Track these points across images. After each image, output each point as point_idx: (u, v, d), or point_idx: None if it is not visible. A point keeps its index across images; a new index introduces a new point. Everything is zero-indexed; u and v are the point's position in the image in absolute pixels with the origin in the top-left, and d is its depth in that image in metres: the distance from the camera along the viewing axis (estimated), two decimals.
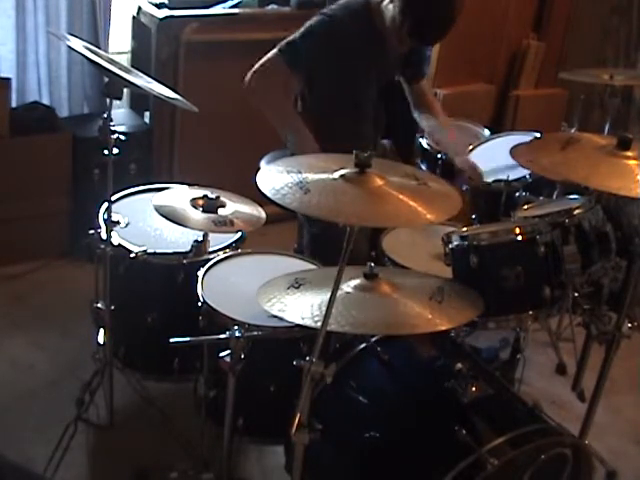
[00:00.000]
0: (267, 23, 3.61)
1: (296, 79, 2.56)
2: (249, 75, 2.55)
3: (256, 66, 2.55)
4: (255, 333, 1.99)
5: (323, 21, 2.53)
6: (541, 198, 2.48)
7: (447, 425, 1.81)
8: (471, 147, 2.83)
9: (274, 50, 2.54)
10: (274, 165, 1.74)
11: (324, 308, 1.59)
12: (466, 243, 1.96)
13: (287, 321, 1.76)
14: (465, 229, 2.04)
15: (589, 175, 1.90)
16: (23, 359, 2.83)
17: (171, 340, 2.02)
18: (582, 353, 2.38)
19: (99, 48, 2.83)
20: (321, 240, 2.60)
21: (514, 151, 2.11)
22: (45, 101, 3.42)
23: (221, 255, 2.33)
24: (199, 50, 3.45)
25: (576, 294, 2.02)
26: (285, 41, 2.54)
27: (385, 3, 2.50)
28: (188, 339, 2.03)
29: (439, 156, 2.90)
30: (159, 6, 3.43)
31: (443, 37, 2.48)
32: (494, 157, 2.73)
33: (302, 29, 2.53)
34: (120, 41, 3.66)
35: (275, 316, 1.77)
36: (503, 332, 2.82)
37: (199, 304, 2.15)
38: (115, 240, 2.35)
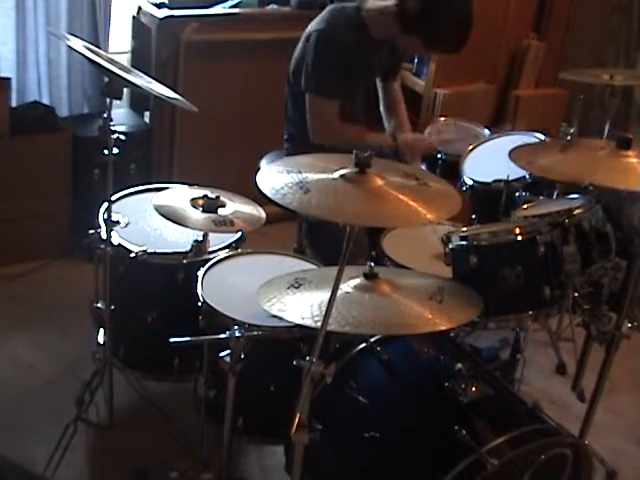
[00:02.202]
0: (267, 23, 3.61)
1: (339, 103, 2.64)
2: (314, 136, 2.66)
3: (311, 123, 2.66)
4: (255, 333, 1.99)
5: (320, 38, 2.60)
6: (541, 198, 2.47)
7: (447, 425, 1.81)
8: (471, 147, 2.83)
9: (307, 97, 2.64)
10: (274, 165, 1.74)
11: (324, 308, 1.59)
12: (466, 243, 1.96)
13: (287, 321, 1.76)
14: (465, 229, 2.04)
15: (588, 172, 1.90)
16: (23, 359, 2.83)
17: (171, 340, 2.02)
18: (582, 353, 2.37)
19: (99, 48, 2.83)
20: (319, 231, 2.62)
21: (513, 153, 2.12)
22: (45, 101, 3.42)
23: (221, 255, 2.33)
24: (199, 50, 3.45)
25: (576, 294, 2.02)
26: (307, 79, 2.63)
27: (387, 13, 2.53)
28: (188, 339, 2.03)
29: (439, 156, 2.90)
30: (159, 6, 3.43)
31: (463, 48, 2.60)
32: (494, 157, 2.73)
33: (310, 57, 2.61)
34: (120, 41, 3.66)
35: (275, 316, 1.77)
36: (503, 332, 2.82)
37: (199, 304, 2.15)
38: (115, 240, 2.35)
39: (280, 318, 1.76)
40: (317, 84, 2.62)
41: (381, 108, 2.98)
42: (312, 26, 2.66)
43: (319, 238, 2.67)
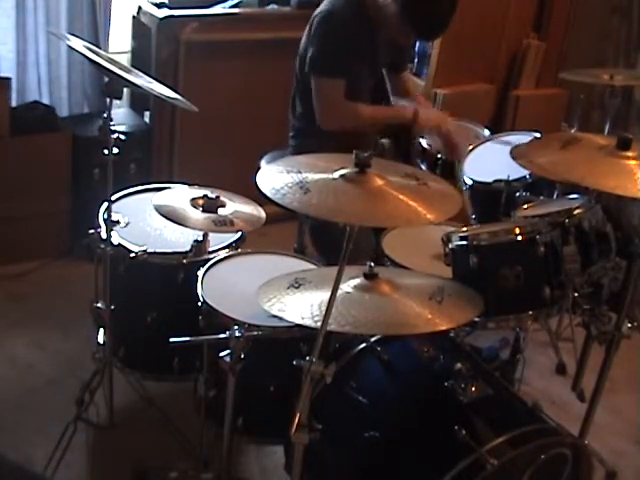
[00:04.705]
0: (267, 23, 3.61)
1: (344, 81, 2.62)
2: (322, 120, 2.63)
3: (318, 106, 2.63)
4: (255, 333, 1.99)
5: (322, 20, 2.61)
6: (541, 198, 2.47)
7: (447, 425, 1.81)
8: (471, 147, 2.83)
9: (313, 80, 2.62)
10: (274, 165, 1.74)
11: (324, 308, 1.59)
12: (466, 243, 1.96)
13: (287, 321, 1.76)
14: (465, 229, 2.04)
15: (586, 174, 1.90)
16: (23, 359, 2.83)
17: (171, 340, 2.02)
18: (582, 353, 2.37)
19: (99, 48, 2.84)
20: (322, 231, 2.62)
21: (514, 151, 2.11)
22: (45, 101, 3.42)
23: (221, 255, 2.33)
24: (199, 50, 3.45)
25: (576, 294, 2.02)
26: (311, 61, 2.61)
27: None
28: (188, 339, 2.03)
29: (439, 156, 2.90)
30: (159, 6, 3.43)
31: (444, 32, 2.56)
32: (494, 157, 2.72)
33: (313, 38, 2.60)
34: (120, 41, 3.66)
35: (275, 316, 1.77)
36: (503, 332, 2.82)
37: (199, 304, 2.15)
38: (115, 240, 2.35)
39: (280, 318, 1.76)
40: (322, 64, 2.61)
41: (391, 98, 2.97)
42: (316, 12, 2.68)
43: (323, 238, 2.67)
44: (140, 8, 3.55)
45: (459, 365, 1.92)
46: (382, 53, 2.80)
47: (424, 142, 2.96)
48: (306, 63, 2.65)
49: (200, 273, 2.23)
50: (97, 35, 3.40)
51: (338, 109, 2.64)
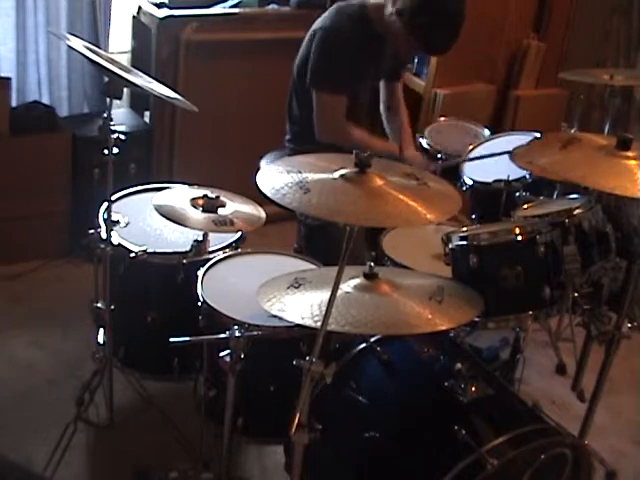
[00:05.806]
0: (267, 23, 3.61)
1: (346, 98, 2.63)
2: (320, 134, 2.64)
3: (317, 121, 2.64)
4: (255, 333, 1.99)
5: (325, 35, 2.61)
6: (541, 198, 2.48)
7: (447, 425, 1.81)
8: (471, 147, 2.83)
9: (314, 94, 2.62)
10: (274, 165, 1.74)
11: (324, 308, 1.59)
12: (466, 243, 1.96)
13: (287, 321, 1.76)
14: (465, 229, 2.04)
15: (586, 174, 1.90)
16: (23, 359, 2.83)
17: (171, 340, 2.02)
18: (582, 353, 2.38)
19: (99, 48, 2.84)
20: (316, 234, 2.62)
21: (514, 152, 2.11)
22: (45, 101, 3.42)
23: (221, 255, 2.33)
24: (199, 50, 3.45)
25: (576, 294, 2.02)
26: (313, 77, 2.61)
27: (388, 13, 2.53)
28: (188, 339, 2.03)
29: (439, 156, 2.90)
30: (159, 6, 3.43)
31: (451, 48, 2.55)
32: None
33: (315, 54, 2.60)
34: (120, 41, 3.66)
35: (275, 316, 1.77)
36: (503, 332, 2.82)
37: (199, 304, 2.15)
38: (115, 240, 2.35)
39: (280, 318, 1.76)
40: (324, 79, 2.61)
41: (381, 108, 2.98)
42: (317, 24, 2.66)
43: (316, 241, 2.67)
44: (140, 8, 3.55)
45: (459, 365, 1.92)
46: (385, 65, 2.80)
47: (424, 142, 2.97)
48: (306, 73, 2.65)
49: (200, 273, 2.23)
50: (97, 35, 3.40)
51: (337, 127, 2.64)
